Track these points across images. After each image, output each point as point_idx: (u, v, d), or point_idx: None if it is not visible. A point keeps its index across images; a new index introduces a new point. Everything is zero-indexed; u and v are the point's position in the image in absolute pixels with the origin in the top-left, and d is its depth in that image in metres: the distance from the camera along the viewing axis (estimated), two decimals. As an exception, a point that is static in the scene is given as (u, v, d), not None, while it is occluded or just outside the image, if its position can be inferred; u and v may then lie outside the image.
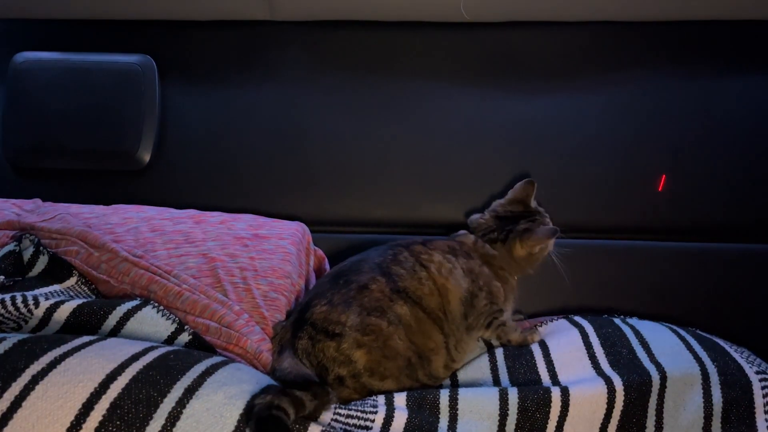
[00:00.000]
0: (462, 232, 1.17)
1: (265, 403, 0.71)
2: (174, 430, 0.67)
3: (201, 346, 0.89)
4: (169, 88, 1.44)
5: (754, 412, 0.89)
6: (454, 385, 0.95)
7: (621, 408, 0.87)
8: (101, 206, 1.22)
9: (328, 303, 0.93)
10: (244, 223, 1.21)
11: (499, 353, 1.01)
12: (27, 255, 1.01)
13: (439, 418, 0.83)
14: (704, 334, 1.05)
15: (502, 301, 1.07)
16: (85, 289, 1.00)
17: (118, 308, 0.87)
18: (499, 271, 1.09)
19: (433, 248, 1.05)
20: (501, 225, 1.13)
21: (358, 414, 0.81)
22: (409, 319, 0.93)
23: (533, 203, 1.19)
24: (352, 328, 0.89)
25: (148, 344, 0.79)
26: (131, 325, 0.86)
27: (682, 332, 1.02)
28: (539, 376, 0.94)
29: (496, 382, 0.96)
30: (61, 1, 1.41)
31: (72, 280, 1.00)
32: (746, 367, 0.93)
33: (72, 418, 0.65)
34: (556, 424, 0.85)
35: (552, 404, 0.85)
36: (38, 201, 1.23)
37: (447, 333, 0.97)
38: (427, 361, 0.93)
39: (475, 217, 1.19)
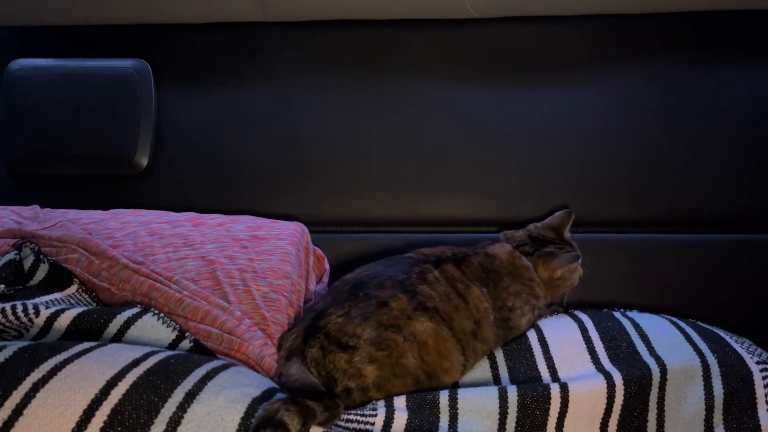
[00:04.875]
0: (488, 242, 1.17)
1: (268, 413, 0.70)
2: (175, 435, 0.67)
3: (202, 354, 0.89)
4: (164, 91, 1.44)
5: (756, 403, 0.89)
6: (454, 385, 0.95)
7: (621, 403, 0.87)
8: (99, 211, 1.22)
9: (345, 315, 0.92)
10: (243, 224, 1.21)
11: (499, 352, 1.01)
12: (27, 263, 1.02)
13: (439, 417, 0.83)
14: (705, 325, 1.05)
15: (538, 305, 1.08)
16: (86, 296, 1.00)
17: (118, 316, 0.87)
18: (528, 282, 1.08)
19: (468, 274, 1.03)
20: (532, 243, 1.14)
21: (358, 418, 0.81)
22: (427, 337, 0.92)
23: (567, 234, 1.19)
24: (367, 342, 0.88)
25: (148, 349, 0.79)
26: (132, 333, 0.87)
27: (682, 324, 1.02)
28: (539, 373, 0.94)
29: (497, 380, 0.96)
30: (55, 8, 1.41)
31: (73, 288, 1.00)
32: (747, 357, 0.94)
33: (73, 425, 0.66)
34: (556, 420, 0.85)
35: (551, 401, 0.85)
36: (36, 207, 1.23)
37: (468, 356, 0.96)
38: (436, 380, 0.92)
39: (510, 232, 1.19)
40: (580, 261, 1.11)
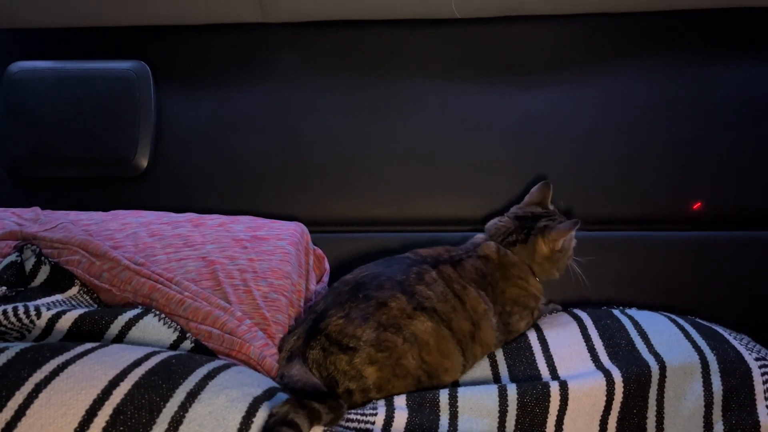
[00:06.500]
0: (480, 236, 1.15)
1: (280, 415, 0.70)
2: (177, 434, 0.68)
3: (203, 354, 0.89)
4: (164, 93, 1.44)
5: (755, 399, 0.89)
6: (454, 384, 0.95)
7: (621, 400, 0.88)
8: (100, 212, 1.23)
9: (345, 316, 0.92)
10: (243, 224, 1.21)
11: (499, 351, 1.01)
12: (29, 265, 1.02)
13: (439, 416, 0.83)
14: (703, 322, 1.05)
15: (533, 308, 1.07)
16: (87, 298, 1.01)
17: (119, 317, 0.88)
18: (518, 281, 1.06)
19: (465, 276, 1.02)
20: (520, 225, 1.10)
21: (358, 417, 0.82)
22: (428, 337, 0.92)
23: (551, 206, 1.17)
24: (367, 343, 0.89)
25: (149, 349, 0.79)
26: (133, 334, 0.87)
27: (681, 321, 1.03)
28: (539, 371, 0.95)
29: (497, 379, 0.96)
30: (55, 10, 1.42)
31: (74, 290, 1.00)
32: (745, 354, 0.94)
33: (75, 425, 0.66)
34: (555, 418, 0.86)
35: (551, 399, 0.86)
36: (37, 209, 1.23)
37: (468, 356, 0.97)
38: (437, 380, 0.92)
39: (493, 222, 1.15)
40: (578, 225, 1.06)
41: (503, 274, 1.06)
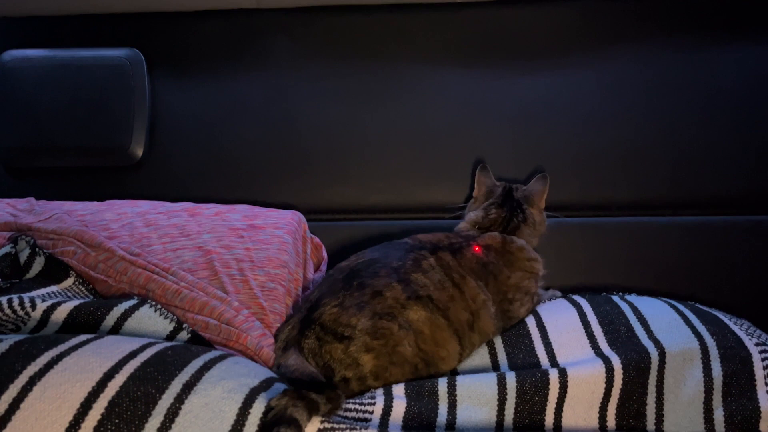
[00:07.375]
0: (465, 224, 1.16)
1: (278, 409, 0.70)
2: (173, 426, 0.67)
3: (200, 345, 0.88)
4: (158, 81, 1.43)
5: (755, 384, 0.88)
6: (453, 372, 0.94)
7: (620, 387, 0.87)
8: (95, 203, 1.22)
9: (339, 305, 0.91)
10: (239, 213, 1.20)
11: (498, 339, 1.00)
12: (23, 256, 1.01)
13: (438, 405, 0.83)
14: (703, 307, 1.04)
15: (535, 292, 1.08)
16: (83, 289, 1.00)
17: (115, 308, 0.87)
18: (526, 262, 1.07)
19: (464, 265, 1.02)
20: (510, 208, 1.16)
21: (356, 407, 0.81)
22: (422, 326, 0.91)
23: (498, 182, 1.23)
24: (363, 332, 0.88)
25: (145, 341, 0.79)
26: (129, 325, 0.86)
27: (681, 307, 1.02)
28: (538, 359, 0.94)
29: (495, 367, 0.95)
30: (46, -3, 1.40)
31: (69, 281, 1.00)
32: (745, 339, 0.93)
33: (70, 418, 0.66)
34: (555, 406, 0.85)
35: (550, 386, 0.85)
36: (32, 200, 1.22)
37: (465, 345, 0.96)
38: (435, 368, 0.92)
39: (477, 216, 1.16)
40: (547, 180, 1.21)
41: (507, 260, 1.06)
